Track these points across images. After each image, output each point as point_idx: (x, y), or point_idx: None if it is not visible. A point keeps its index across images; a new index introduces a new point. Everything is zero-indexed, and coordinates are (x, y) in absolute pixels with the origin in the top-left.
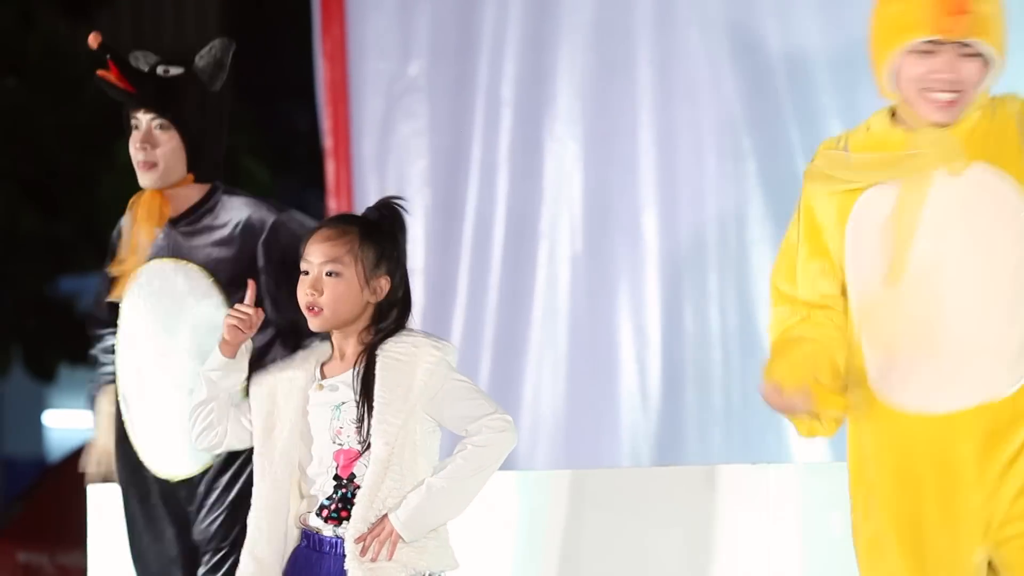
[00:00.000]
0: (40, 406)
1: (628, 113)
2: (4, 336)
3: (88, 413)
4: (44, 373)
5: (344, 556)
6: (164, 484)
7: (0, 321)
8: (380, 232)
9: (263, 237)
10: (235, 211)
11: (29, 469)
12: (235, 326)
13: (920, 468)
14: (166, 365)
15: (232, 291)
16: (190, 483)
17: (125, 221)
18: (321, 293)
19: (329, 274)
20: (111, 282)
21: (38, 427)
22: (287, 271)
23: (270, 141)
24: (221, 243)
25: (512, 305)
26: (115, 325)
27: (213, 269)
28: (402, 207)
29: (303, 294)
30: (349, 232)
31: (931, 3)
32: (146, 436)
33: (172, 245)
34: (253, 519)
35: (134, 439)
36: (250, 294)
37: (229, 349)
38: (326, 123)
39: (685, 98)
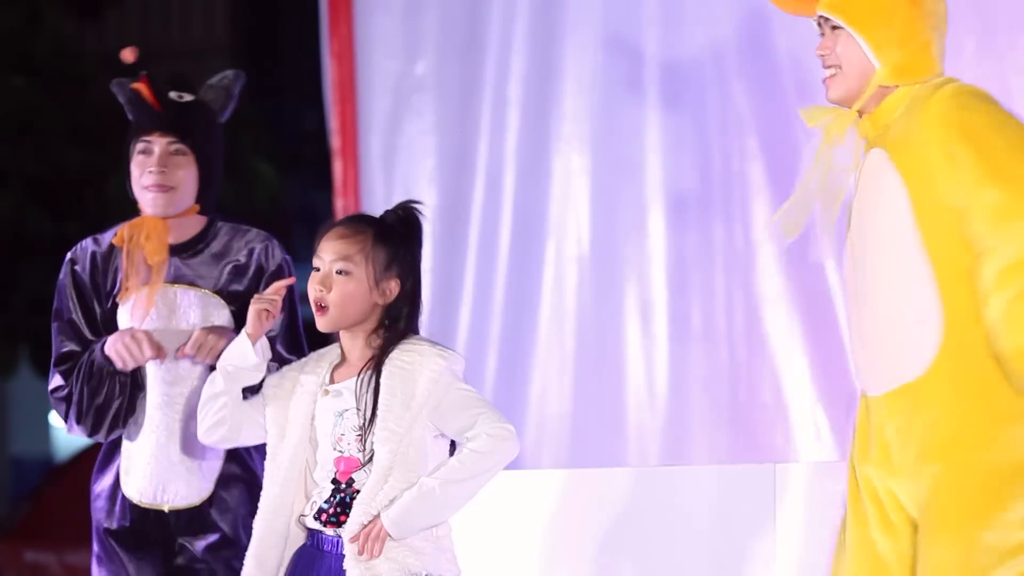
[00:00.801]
0: (47, 406)
1: (635, 112)
2: (11, 336)
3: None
4: None
5: (344, 555)
6: (143, 515)
7: (7, 321)
8: (394, 234)
9: (272, 272)
10: (242, 240)
11: (36, 469)
12: (265, 309)
13: (866, 447)
14: (169, 393)
15: (243, 322)
16: (177, 515)
17: (123, 247)
18: (329, 290)
19: (339, 272)
20: (71, 324)
21: (45, 427)
22: (292, 309)
23: (277, 140)
24: (235, 273)
25: (519, 305)
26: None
27: (228, 298)
28: (420, 212)
29: (312, 289)
30: (363, 232)
31: None
32: (137, 464)
33: (176, 273)
34: (259, 521)
35: (123, 465)
36: (280, 286)
37: (252, 340)
38: (333, 122)
39: (692, 98)
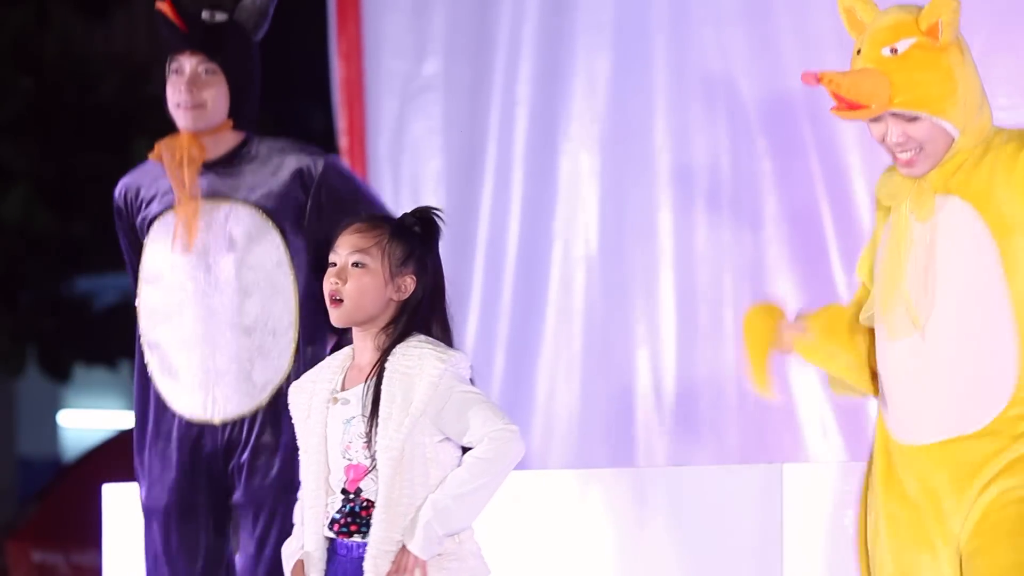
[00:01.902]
0: (55, 406)
1: (643, 113)
2: (20, 336)
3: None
4: (59, 373)
5: (360, 559)
6: (196, 431)
7: (16, 321)
8: (411, 233)
9: (317, 179)
10: (282, 154)
11: (44, 469)
12: None
13: (912, 494)
14: (210, 305)
15: (287, 233)
16: (231, 427)
17: (161, 165)
18: (345, 282)
19: (355, 264)
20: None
21: (53, 427)
22: (343, 210)
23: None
24: (274, 184)
25: (526, 305)
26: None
27: (269, 209)
28: (439, 216)
29: (328, 283)
30: (380, 227)
31: (841, 114)
32: (184, 380)
33: (212, 187)
34: (309, 533)
35: (162, 385)
36: None
37: None
38: (341, 122)
39: (700, 98)
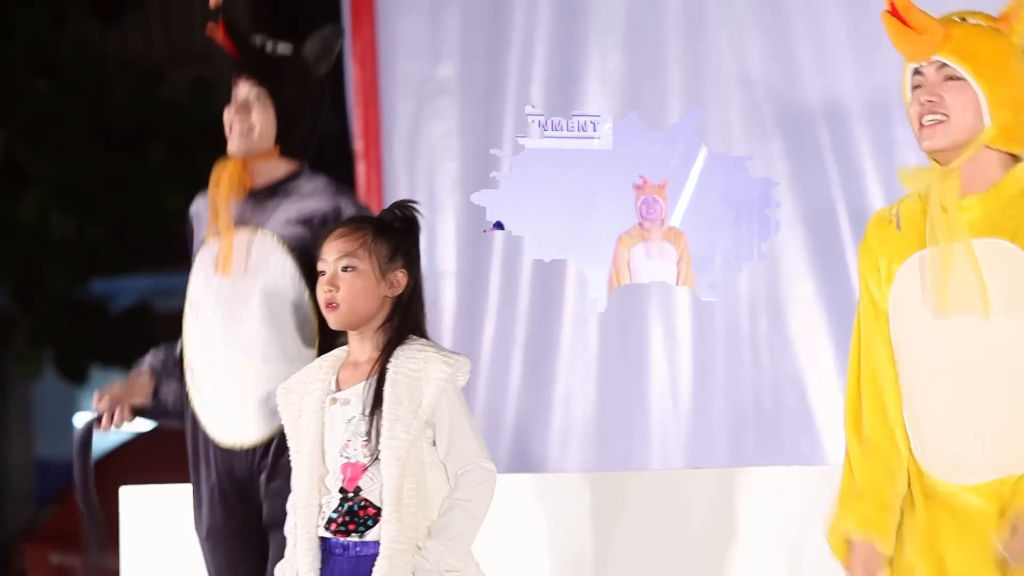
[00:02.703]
0: (72, 408)
1: (657, 115)
2: (36, 339)
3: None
4: (76, 375)
5: (356, 557)
6: (228, 456)
7: (32, 324)
8: (393, 228)
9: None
10: (321, 194)
11: (61, 471)
12: None
13: (950, 537)
14: (236, 332)
15: (305, 270)
16: (254, 453)
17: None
18: (338, 289)
19: (345, 269)
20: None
21: (70, 429)
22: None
23: None
24: (302, 222)
25: (543, 307)
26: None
27: (292, 244)
28: (416, 209)
29: (321, 292)
30: (362, 228)
31: (887, 20)
32: (213, 405)
33: (249, 213)
34: (301, 533)
35: (199, 409)
36: None
37: None
38: (356, 125)
39: (715, 101)
